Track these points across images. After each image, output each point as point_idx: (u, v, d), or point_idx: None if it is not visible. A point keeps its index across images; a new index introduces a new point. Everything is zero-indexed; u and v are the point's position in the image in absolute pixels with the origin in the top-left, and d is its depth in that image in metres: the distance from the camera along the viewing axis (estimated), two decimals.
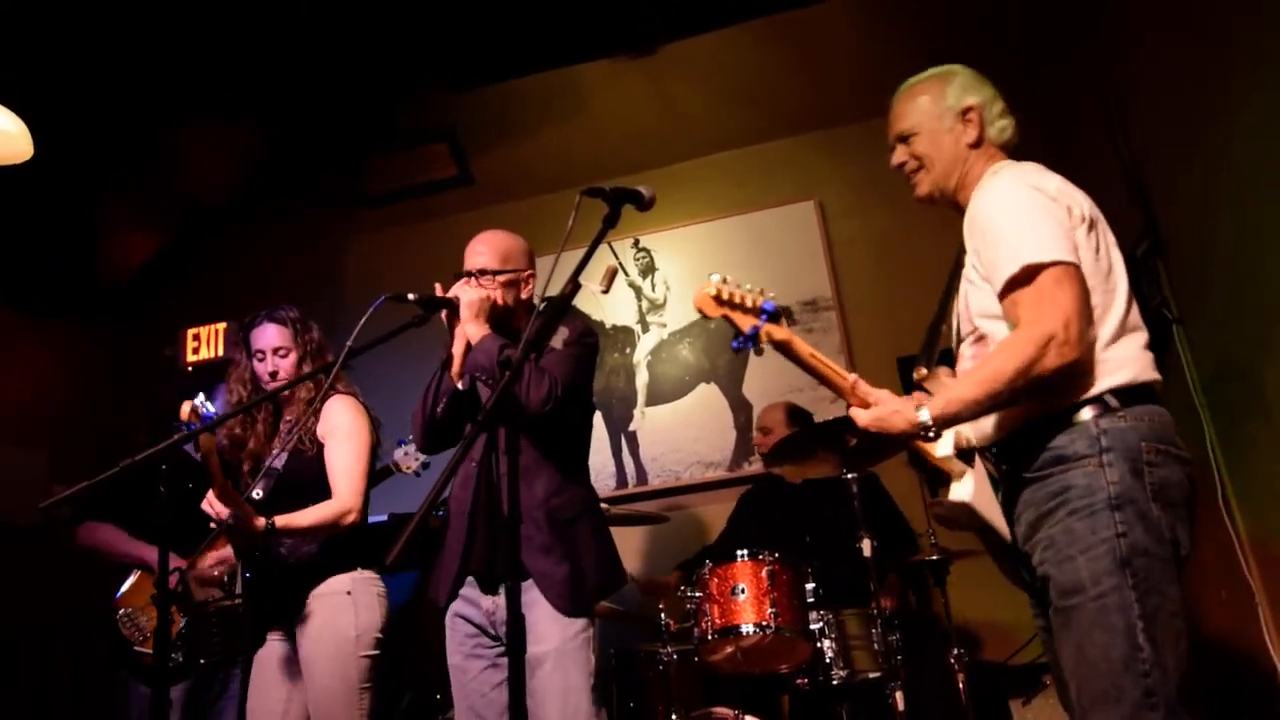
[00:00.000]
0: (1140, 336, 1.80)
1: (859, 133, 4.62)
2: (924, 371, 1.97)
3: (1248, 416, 2.92)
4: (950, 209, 2.00)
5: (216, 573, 2.99)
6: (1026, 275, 1.70)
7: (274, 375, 2.76)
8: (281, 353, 2.78)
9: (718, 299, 1.80)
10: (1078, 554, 1.65)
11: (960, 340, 1.97)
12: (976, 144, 1.94)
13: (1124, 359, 1.74)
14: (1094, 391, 1.71)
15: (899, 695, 2.80)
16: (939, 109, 1.96)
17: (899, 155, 2.02)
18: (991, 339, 1.84)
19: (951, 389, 1.79)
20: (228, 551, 2.92)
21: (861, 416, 1.82)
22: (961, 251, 1.93)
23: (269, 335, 2.79)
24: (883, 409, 1.79)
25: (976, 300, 1.86)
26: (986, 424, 1.85)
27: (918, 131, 1.98)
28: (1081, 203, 1.83)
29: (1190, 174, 3.13)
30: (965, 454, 1.92)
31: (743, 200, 4.73)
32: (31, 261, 4.48)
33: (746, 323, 1.81)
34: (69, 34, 3.60)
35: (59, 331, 4.84)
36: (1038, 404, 1.73)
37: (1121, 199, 3.47)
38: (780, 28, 4.17)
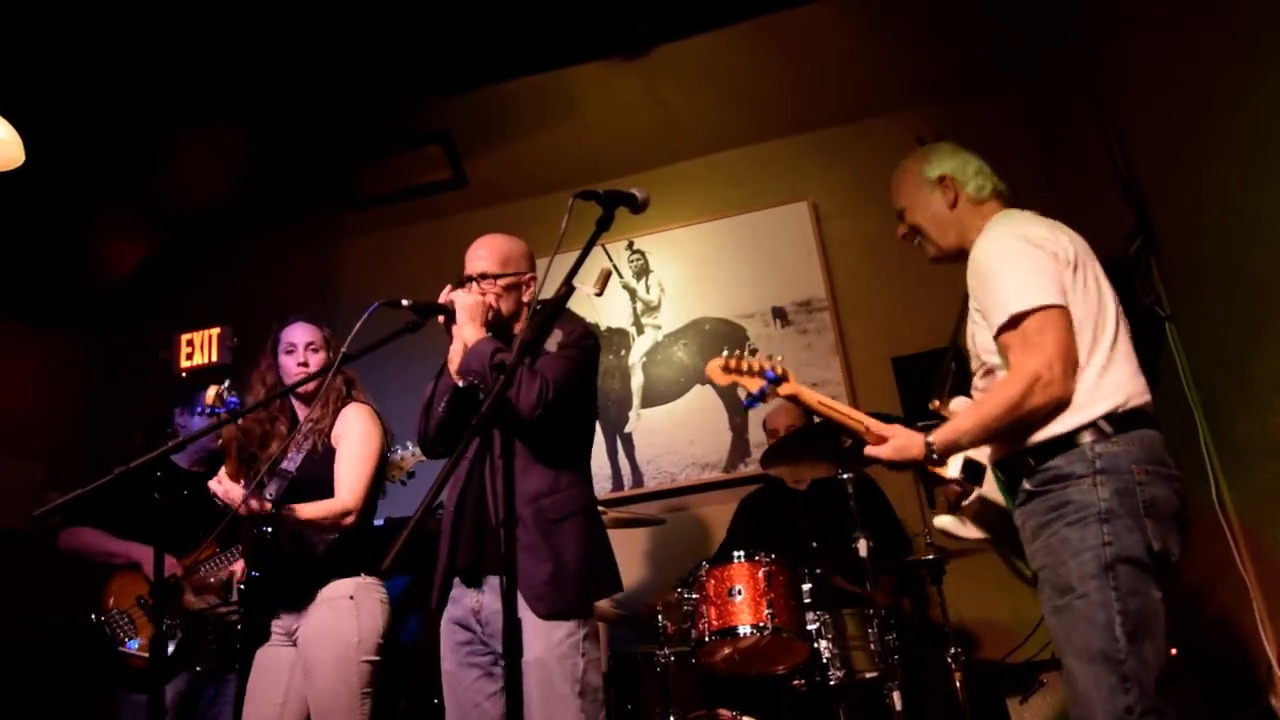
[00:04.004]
0: (1131, 361, 1.99)
1: (852, 133, 4.64)
2: (937, 403, 2.22)
3: (1240, 412, 2.93)
4: (961, 261, 2.21)
5: (214, 580, 2.99)
6: (1013, 322, 1.92)
7: (304, 366, 2.85)
8: (313, 347, 2.87)
9: (726, 369, 2.26)
10: (1069, 558, 1.86)
11: (974, 373, 2.21)
12: (953, 205, 2.19)
13: (1115, 385, 1.93)
14: (1089, 418, 1.90)
15: (896, 695, 2.81)
16: (919, 181, 2.24)
17: (901, 229, 2.30)
18: (998, 372, 2.06)
19: (953, 422, 2.05)
20: (238, 564, 2.94)
21: (884, 451, 2.09)
22: (968, 294, 2.13)
23: (302, 331, 2.89)
24: (901, 440, 2.07)
25: (982, 338, 2.09)
26: (1000, 443, 2.05)
27: (907, 206, 2.26)
28: (1066, 246, 2.02)
29: (1182, 172, 3.14)
30: (974, 471, 2.14)
31: (737, 202, 4.73)
32: (25, 268, 4.47)
33: (754, 385, 2.25)
34: (61, 41, 3.59)
35: (53, 338, 4.82)
36: (1042, 429, 1.94)
37: (1114, 198, 3.49)
38: (772, 29, 4.18)
